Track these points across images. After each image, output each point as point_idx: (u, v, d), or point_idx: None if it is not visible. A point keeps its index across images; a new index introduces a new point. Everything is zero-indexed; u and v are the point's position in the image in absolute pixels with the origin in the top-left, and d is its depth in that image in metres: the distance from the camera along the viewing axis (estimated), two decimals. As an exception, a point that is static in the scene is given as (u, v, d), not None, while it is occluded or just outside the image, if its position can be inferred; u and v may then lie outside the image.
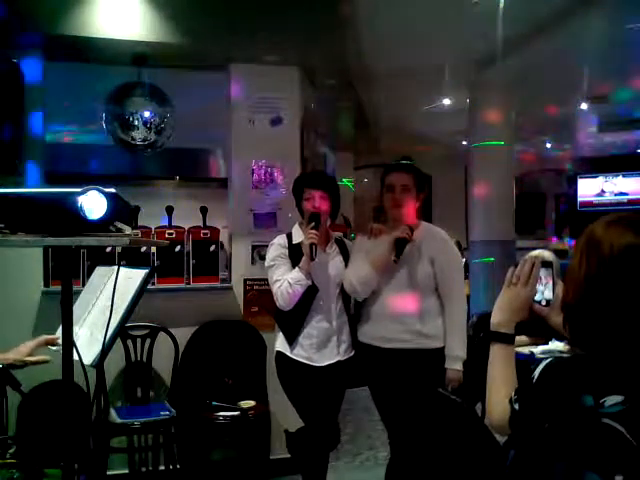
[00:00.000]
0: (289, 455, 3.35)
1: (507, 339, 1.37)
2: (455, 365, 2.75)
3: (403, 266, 2.77)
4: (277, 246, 2.91)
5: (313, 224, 2.77)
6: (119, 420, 3.36)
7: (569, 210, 11.11)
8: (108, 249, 3.70)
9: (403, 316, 2.77)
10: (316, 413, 2.82)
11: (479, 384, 1.41)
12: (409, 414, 2.65)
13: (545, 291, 1.40)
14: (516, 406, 1.24)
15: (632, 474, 1.05)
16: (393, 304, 2.78)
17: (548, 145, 9.72)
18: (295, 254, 2.84)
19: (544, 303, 1.40)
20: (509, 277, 1.39)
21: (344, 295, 2.91)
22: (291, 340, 2.85)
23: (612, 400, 1.08)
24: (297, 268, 2.76)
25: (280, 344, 2.91)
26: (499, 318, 1.38)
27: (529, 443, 1.24)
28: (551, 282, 1.40)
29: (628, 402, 1.07)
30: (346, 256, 2.95)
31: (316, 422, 2.83)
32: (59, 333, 1.74)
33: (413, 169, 2.89)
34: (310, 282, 2.77)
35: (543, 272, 1.39)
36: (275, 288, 2.81)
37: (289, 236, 2.94)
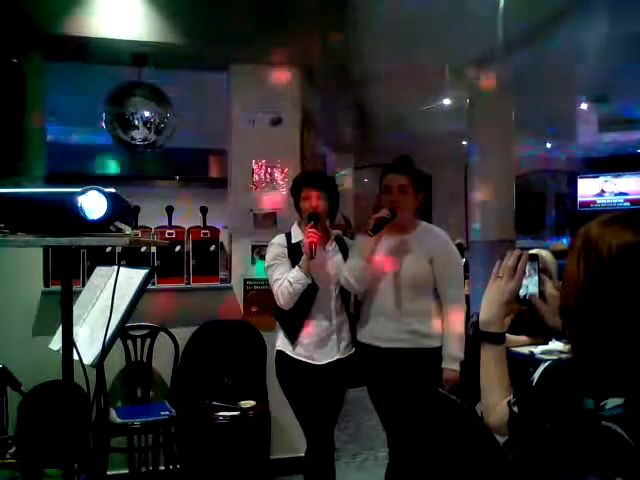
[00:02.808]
0: (289, 455, 3.36)
1: (497, 339, 1.35)
2: (452, 365, 2.74)
3: (402, 266, 2.77)
4: (276, 245, 2.91)
5: (313, 223, 2.76)
6: (119, 420, 3.36)
7: (570, 210, 11.12)
8: (108, 249, 3.71)
9: (401, 315, 2.76)
10: (315, 413, 2.81)
11: (478, 384, 1.40)
12: (408, 414, 2.65)
13: (529, 285, 1.38)
14: (515, 409, 1.24)
15: (632, 476, 1.05)
16: (391, 303, 2.78)
17: (548, 145, 9.72)
18: (294, 253, 2.84)
19: (529, 297, 1.38)
20: (495, 270, 1.38)
21: (343, 293, 2.91)
22: (293, 339, 2.84)
23: (612, 403, 1.07)
24: (297, 267, 2.76)
25: (281, 343, 2.89)
26: (487, 315, 1.36)
27: (528, 446, 1.23)
28: (536, 276, 1.38)
29: (628, 405, 1.07)
30: (345, 254, 2.95)
31: (314, 423, 2.82)
32: (59, 333, 1.74)
33: (411, 170, 2.85)
34: (310, 280, 2.76)
35: (528, 266, 1.37)
36: (275, 287, 2.81)
37: (288, 236, 2.94)
